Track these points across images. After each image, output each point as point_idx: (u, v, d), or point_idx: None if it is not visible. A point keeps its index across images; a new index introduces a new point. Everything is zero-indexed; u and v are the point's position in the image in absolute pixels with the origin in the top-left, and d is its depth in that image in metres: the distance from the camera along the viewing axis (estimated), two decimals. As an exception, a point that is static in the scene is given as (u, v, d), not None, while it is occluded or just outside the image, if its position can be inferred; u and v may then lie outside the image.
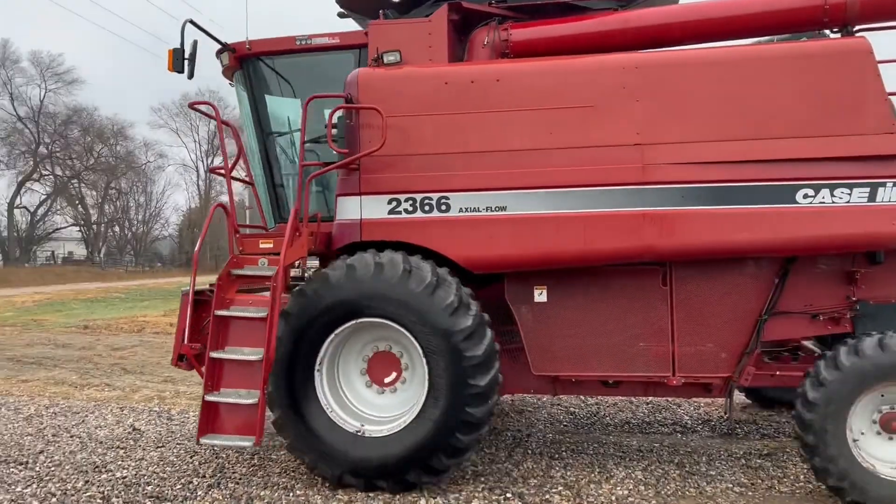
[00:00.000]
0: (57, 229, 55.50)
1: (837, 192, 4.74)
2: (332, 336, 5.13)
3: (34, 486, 5.24)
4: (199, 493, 5.06)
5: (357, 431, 5.08)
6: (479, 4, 5.78)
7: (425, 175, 5.23)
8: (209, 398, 4.96)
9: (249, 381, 4.92)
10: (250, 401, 4.85)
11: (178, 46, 5.59)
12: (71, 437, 6.70)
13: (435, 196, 5.21)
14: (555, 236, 5.04)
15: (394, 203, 5.27)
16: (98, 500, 4.90)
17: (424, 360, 4.97)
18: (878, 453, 4.65)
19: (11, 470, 5.66)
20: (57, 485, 5.24)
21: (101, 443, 6.46)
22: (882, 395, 4.64)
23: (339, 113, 5.38)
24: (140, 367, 10.84)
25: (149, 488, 5.15)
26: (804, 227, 4.80)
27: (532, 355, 5.41)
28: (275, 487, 5.18)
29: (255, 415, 4.80)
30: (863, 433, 4.66)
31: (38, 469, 5.68)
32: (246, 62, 6.22)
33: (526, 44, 5.69)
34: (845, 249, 5.01)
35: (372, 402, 5.32)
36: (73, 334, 15.04)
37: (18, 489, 5.21)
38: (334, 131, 5.37)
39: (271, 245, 5.40)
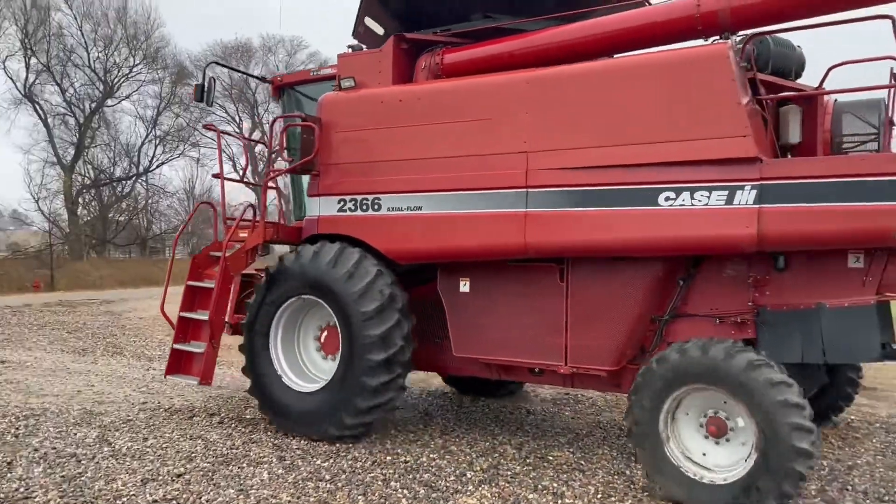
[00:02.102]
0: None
1: (697, 195, 4.86)
2: (285, 305, 6.35)
3: (331, 460, 5.70)
4: (470, 487, 5.06)
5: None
6: (425, 34, 6.59)
7: (364, 179, 6.18)
8: (176, 346, 6.69)
9: (203, 336, 6.59)
10: (199, 350, 6.54)
11: (200, 82, 7.04)
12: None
13: (370, 197, 6.15)
14: (457, 233, 5.73)
15: (342, 203, 6.30)
16: (380, 482, 5.17)
17: (340, 335, 6.04)
18: (694, 452, 4.81)
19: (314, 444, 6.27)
20: (349, 461, 5.66)
21: (395, 424, 6.89)
22: (699, 396, 4.76)
23: (297, 129, 6.59)
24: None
25: (426, 476, 5.29)
26: (667, 229, 4.96)
27: (454, 339, 6.15)
28: (544, 492, 4.99)
29: (202, 361, 6.48)
30: (678, 434, 4.85)
31: (339, 448, 6.21)
32: (280, 90, 7.70)
33: (454, 66, 6.34)
34: (706, 251, 5.11)
35: (322, 367, 6.51)
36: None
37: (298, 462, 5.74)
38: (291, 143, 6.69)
39: (247, 235, 6.72)
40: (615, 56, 5.88)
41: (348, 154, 6.27)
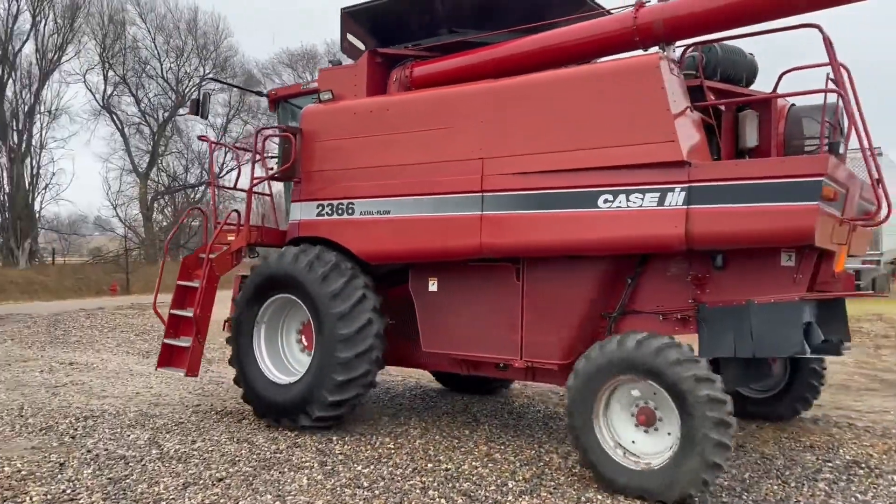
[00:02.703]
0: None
1: (632, 197, 5.10)
2: (268, 302, 6.83)
3: (372, 466, 5.65)
4: (510, 497, 4.92)
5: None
6: (397, 49, 7.06)
7: (340, 185, 6.60)
8: (166, 341, 7.20)
9: (190, 331, 6.99)
10: (186, 344, 6.98)
11: (196, 97, 7.63)
12: (419, 419, 7.20)
13: (345, 202, 6.56)
14: (421, 235, 6.08)
15: (320, 208, 6.72)
16: (418, 490, 5.08)
17: (314, 333, 6.47)
18: (625, 439, 5.07)
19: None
20: (389, 468, 5.60)
21: (441, 430, 6.80)
22: (628, 387, 5.01)
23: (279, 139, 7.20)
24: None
25: (465, 485, 5.17)
26: (606, 229, 5.22)
27: (423, 335, 6.48)
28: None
29: (187, 354, 6.93)
30: (611, 421, 5.11)
31: (382, 447, 6.18)
32: (276, 102, 8.21)
33: (422, 78, 6.75)
34: (641, 250, 5.34)
35: (302, 361, 6.85)
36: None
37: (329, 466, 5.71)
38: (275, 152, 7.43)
39: (234, 237, 7.23)
40: (562, 67, 6.06)
41: (326, 162, 6.74)
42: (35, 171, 35.10)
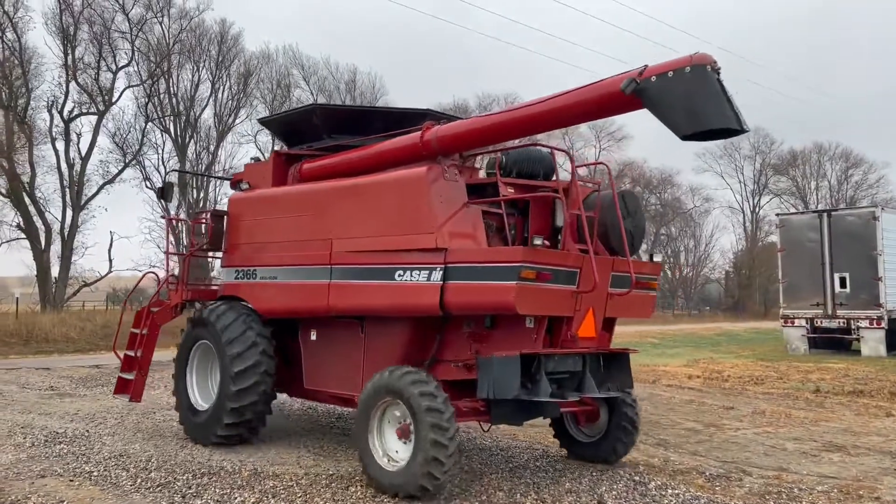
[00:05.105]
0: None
1: (414, 273, 6.56)
2: (195, 347, 8.57)
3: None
4: None
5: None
6: (299, 149, 8.84)
7: (249, 256, 8.40)
8: (121, 375, 9.32)
9: (136, 367, 9.10)
10: (132, 377, 9.11)
11: (161, 185, 9.29)
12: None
13: (251, 269, 8.31)
14: (294, 296, 7.75)
15: (237, 273, 8.50)
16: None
17: (219, 369, 8.12)
18: (391, 449, 6.41)
19: None
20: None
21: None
22: (393, 408, 6.37)
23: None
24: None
25: None
26: (399, 297, 6.69)
27: (305, 375, 8.11)
28: None
29: (132, 385, 9.10)
30: (383, 435, 6.46)
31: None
32: (236, 183, 9.38)
33: (308, 173, 8.40)
34: (420, 314, 6.74)
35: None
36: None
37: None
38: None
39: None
40: (387, 171, 7.43)
41: (242, 237, 8.57)
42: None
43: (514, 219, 7.03)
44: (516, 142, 7.75)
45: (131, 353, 9.22)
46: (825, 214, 21.94)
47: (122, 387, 9.31)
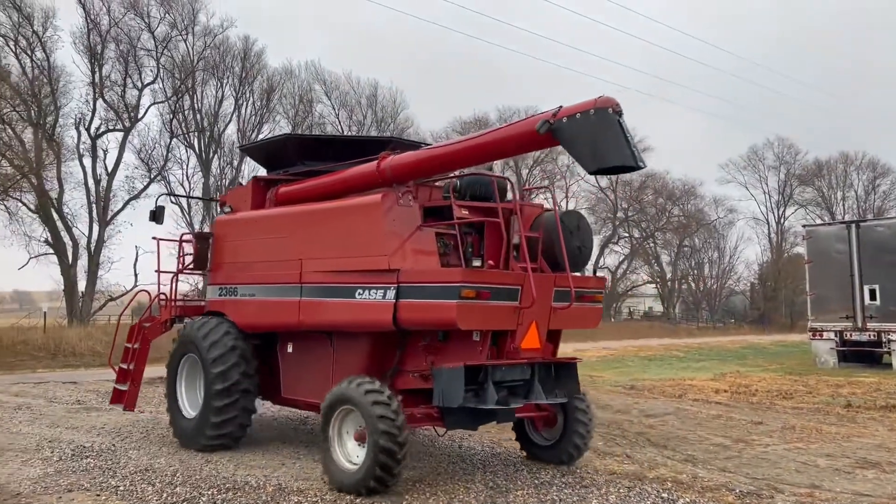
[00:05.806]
0: (634, 286, 59.88)
1: (371, 292, 7.12)
2: (184, 359, 9.14)
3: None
4: None
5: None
6: (276, 174, 9.43)
7: (231, 274, 9.04)
8: (116, 386, 9.91)
9: (129, 379, 9.76)
10: (125, 388, 9.74)
11: (153, 209, 9.89)
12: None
13: (233, 287, 8.93)
14: (269, 312, 8.41)
15: (221, 290, 9.15)
16: None
17: (203, 376, 8.72)
18: (351, 454, 6.93)
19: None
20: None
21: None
22: (352, 416, 6.89)
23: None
24: (665, 439, 10.15)
25: None
26: (359, 314, 7.27)
27: (283, 385, 8.77)
28: None
29: (125, 395, 9.71)
30: (343, 441, 7.02)
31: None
32: (224, 203, 10.15)
33: (283, 196, 8.99)
34: (377, 329, 7.25)
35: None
36: (616, 395, 14.63)
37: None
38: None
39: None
40: (349, 196, 8.03)
41: (225, 257, 9.21)
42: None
43: (472, 237, 7.52)
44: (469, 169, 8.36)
45: (125, 366, 9.90)
46: (853, 225, 21.55)
47: (117, 397, 9.92)
